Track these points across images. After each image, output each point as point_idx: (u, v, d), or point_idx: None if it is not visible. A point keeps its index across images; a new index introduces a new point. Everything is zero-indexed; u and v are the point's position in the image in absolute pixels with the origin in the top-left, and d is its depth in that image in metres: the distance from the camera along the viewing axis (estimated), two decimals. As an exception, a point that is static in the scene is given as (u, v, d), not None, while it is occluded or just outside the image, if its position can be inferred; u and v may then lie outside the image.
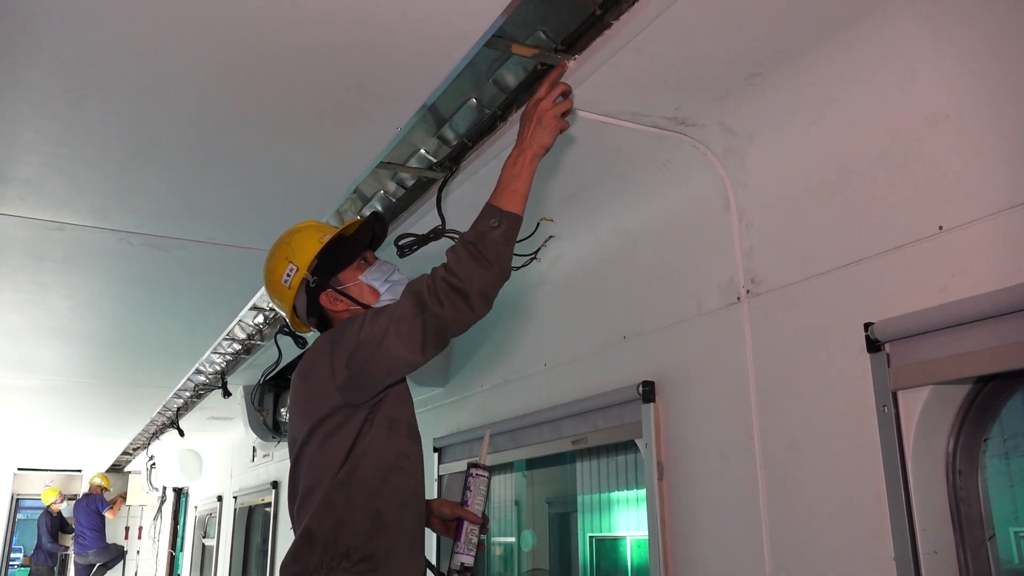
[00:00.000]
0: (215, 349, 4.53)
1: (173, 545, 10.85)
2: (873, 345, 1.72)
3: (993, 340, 1.50)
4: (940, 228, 1.63)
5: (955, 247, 1.60)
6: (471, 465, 2.04)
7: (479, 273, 1.65)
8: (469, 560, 1.93)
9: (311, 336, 2.10)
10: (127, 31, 1.67)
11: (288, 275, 1.98)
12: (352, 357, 1.74)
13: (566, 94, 1.76)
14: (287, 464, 1.94)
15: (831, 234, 1.88)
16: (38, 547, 11.22)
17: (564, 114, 1.73)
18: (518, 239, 1.73)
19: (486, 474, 2.02)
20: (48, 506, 11.25)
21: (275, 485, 6.28)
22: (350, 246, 2.01)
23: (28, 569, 11.55)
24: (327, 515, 1.73)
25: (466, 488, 2.01)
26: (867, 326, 1.73)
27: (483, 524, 1.96)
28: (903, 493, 1.62)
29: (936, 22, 1.59)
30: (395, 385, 1.84)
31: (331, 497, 1.74)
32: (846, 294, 1.82)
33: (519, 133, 1.73)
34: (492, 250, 1.66)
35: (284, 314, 2.09)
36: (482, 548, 1.97)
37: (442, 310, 1.65)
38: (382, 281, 2.00)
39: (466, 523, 1.95)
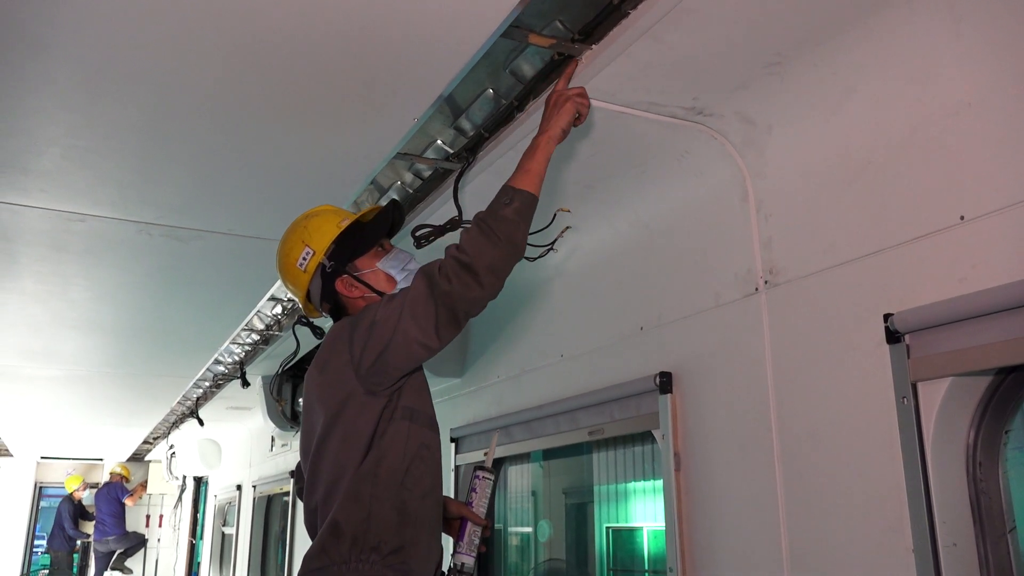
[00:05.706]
0: (234, 339, 4.57)
1: (193, 533, 10.99)
2: (893, 336, 1.70)
3: (1015, 331, 1.48)
4: (962, 218, 1.61)
5: (977, 237, 1.58)
6: (477, 467, 2.06)
7: (487, 249, 1.65)
8: (470, 561, 1.93)
9: (327, 325, 2.10)
10: (146, 25, 1.68)
11: (304, 258, 1.97)
12: (369, 342, 1.74)
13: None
14: (303, 455, 1.94)
15: (850, 224, 1.87)
16: (54, 534, 11.34)
17: (580, 107, 1.79)
18: (536, 230, 1.73)
19: (491, 477, 2.04)
20: (70, 493, 11.40)
21: (293, 474, 6.33)
22: (368, 232, 2.00)
23: (49, 556, 11.71)
24: (354, 507, 1.72)
25: (471, 490, 2.03)
26: (887, 317, 1.72)
27: (485, 527, 1.97)
28: (922, 485, 1.61)
29: (958, 10, 1.57)
30: (412, 375, 1.84)
31: (357, 489, 1.73)
32: (865, 285, 1.81)
33: (541, 121, 1.80)
34: (501, 226, 1.67)
35: (297, 298, 2.08)
36: (483, 550, 1.97)
37: (450, 287, 1.65)
38: (399, 269, 1.99)
39: (469, 524, 1.96)
